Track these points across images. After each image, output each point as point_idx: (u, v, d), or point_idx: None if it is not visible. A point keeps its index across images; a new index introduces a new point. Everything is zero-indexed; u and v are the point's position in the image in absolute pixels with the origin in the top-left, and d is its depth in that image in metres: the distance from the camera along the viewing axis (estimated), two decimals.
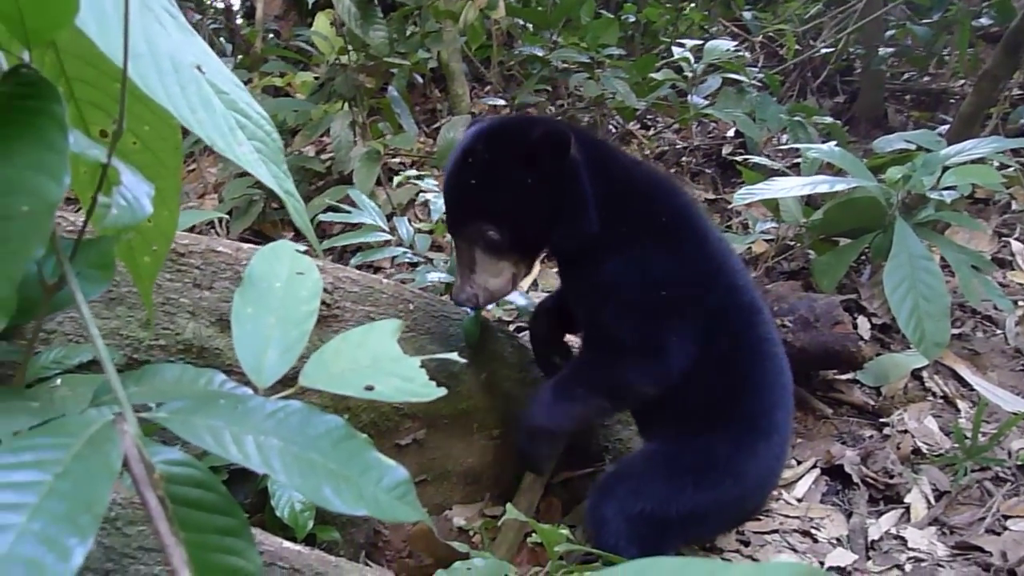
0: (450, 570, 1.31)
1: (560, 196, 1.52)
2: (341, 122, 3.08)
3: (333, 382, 0.74)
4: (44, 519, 0.53)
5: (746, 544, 1.84)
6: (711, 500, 1.55)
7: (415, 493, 0.71)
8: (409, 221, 2.10)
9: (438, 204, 2.04)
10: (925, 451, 2.09)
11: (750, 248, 2.75)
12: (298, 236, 3.12)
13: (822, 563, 1.75)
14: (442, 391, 0.76)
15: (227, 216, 3.05)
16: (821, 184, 2.14)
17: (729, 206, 3.19)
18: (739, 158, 2.97)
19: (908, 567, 1.76)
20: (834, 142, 2.72)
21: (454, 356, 0.89)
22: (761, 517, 1.94)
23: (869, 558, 1.80)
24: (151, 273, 1.02)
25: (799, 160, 2.89)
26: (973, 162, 2.26)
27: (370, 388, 0.74)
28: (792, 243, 2.73)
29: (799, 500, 2.02)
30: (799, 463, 2.15)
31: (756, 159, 2.82)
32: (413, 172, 2.45)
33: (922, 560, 1.78)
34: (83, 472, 0.57)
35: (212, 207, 3.29)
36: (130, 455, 0.61)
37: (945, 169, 2.27)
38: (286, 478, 0.65)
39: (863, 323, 2.50)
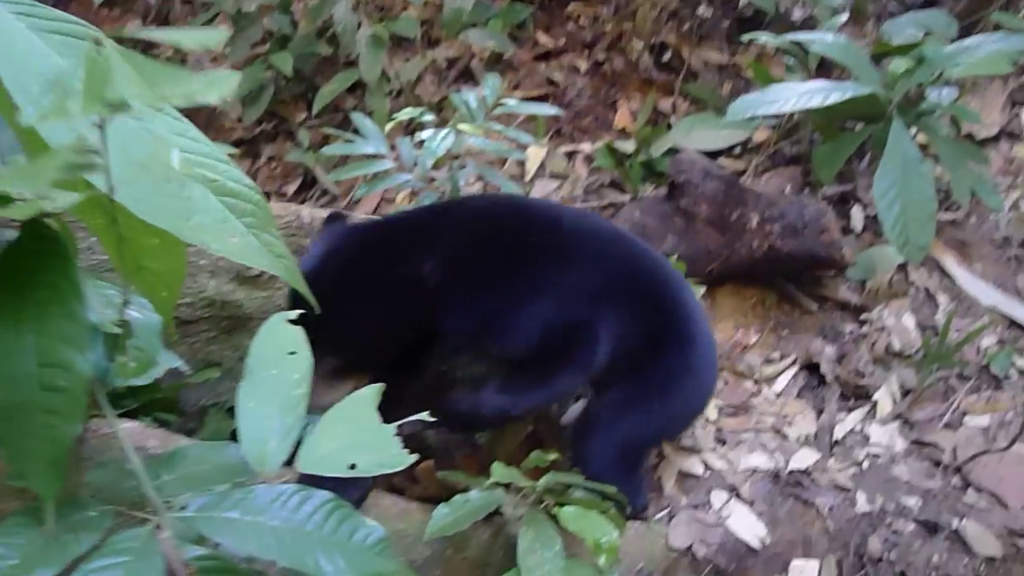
0: (450, 502, 1.54)
1: None
2: (345, 4, 3.06)
3: (323, 465, 0.92)
4: None
5: (722, 443, 2.07)
6: (671, 414, 1.80)
7: (390, 546, 0.91)
8: (410, 135, 2.17)
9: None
10: (899, 348, 2.25)
11: (749, 138, 2.79)
12: (311, 112, 3.21)
13: (787, 462, 1.98)
14: (412, 458, 0.94)
15: (236, 150, 3.13)
16: (817, 94, 2.16)
17: (741, 73, 3.17)
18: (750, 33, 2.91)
19: (866, 464, 1.98)
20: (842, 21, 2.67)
21: (424, 416, 1.06)
22: (740, 414, 2.16)
23: (832, 455, 2.02)
24: (169, 305, 1.18)
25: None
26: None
27: (353, 466, 0.92)
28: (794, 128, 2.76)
29: (777, 396, 2.23)
30: (782, 358, 2.34)
31: (763, 36, 2.77)
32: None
33: (879, 456, 2.00)
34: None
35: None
36: (170, 556, 0.81)
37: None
38: (283, 557, 0.84)
39: (857, 213, 2.59)
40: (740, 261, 2.35)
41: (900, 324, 2.30)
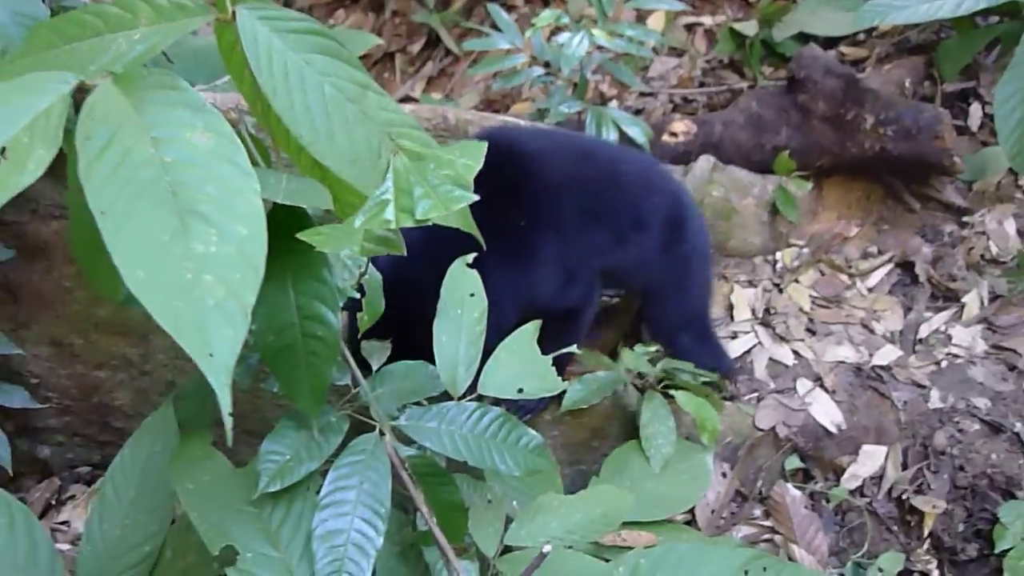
0: (581, 379, 1.81)
1: None
2: None
3: (499, 388, 1.19)
4: (361, 507, 1.05)
5: (812, 333, 2.28)
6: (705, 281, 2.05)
7: (547, 449, 1.19)
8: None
9: None
10: (995, 254, 2.36)
11: (876, 26, 2.76)
12: None
13: (871, 356, 2.18)
14: (566, 384, 1.20)
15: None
16: (945, 6, 2.15)
17: None
18: None
19: (944, 363, 2.17)
20: None
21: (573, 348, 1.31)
22: (832, 306, 2.35)
23: (914, 352, 2.21)
24: None
25: None
26: None
27: (520, 390, 1.18)
28: None
29: (870, 290, 2.39)
30: (879, 253, 2.48)
31: None
32: None
33: (958, 357, 2.18)
34: (373, 474, 1.07)
35: None
36: (391, 455, 1.10)
37: None
38: (469, 457, 1.13)
39: (975, 111, 2.60)
40: (850, 158, 2.44)
41: (1001, 229, 2.39)
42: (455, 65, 3.33)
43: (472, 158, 0.84)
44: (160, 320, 0.74)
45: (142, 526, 1.39)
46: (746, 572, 1.01)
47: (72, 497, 2.03)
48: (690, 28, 3.07)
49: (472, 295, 1.22)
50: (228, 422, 0.73)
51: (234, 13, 0.91)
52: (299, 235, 0.89)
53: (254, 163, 0.98)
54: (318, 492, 1.07)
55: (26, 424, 1.90)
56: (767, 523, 1.98)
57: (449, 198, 0.82)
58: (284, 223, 1.05)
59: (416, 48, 3.41)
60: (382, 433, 1.12)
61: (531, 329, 1.28)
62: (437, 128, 1.98)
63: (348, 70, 0.97)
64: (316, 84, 0.94)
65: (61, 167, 1.70)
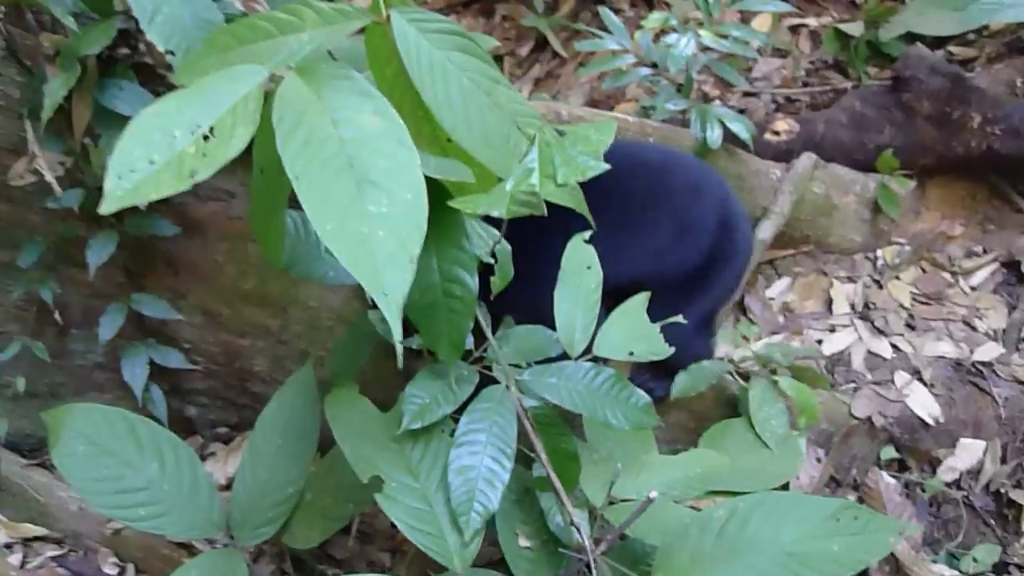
0: (688, 370, 1.90)
1: None
2: None
3: (613, 350, 1.32)
4: (490, 447, 1.19)
5: (912, 328, 2.31)
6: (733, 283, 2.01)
7: (653, 409, 1.31)
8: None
9: None
10: None
11: (986, 25, 2.75)
12: None
13: (972, 352, 2.21)
14: (671, 350, 1.32)
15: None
16: None
17: None
18: None
19: None
20: None
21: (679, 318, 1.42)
22: (932, 303, 2.38)
23: (1018, 351, 2.22)
24: None
25: None
26: None
27: (631, 353, 1.31)
28: None
29: (973, 289, 2.41)
30: (984, 252, 2.48)
31: None
32: None
33: None
34: (500, 419, 1.22)
35: None
36: (517, 405, 1.24)
37: None
38: (584, 410, 1.26)
39: None
40: (955, 158, 2.46)
41: None
42: (562, 67, 3.47)
43: (604, 134, 0.97)
44: (346, 265, 0.90)
45: (286, 471, 1.58)
46: (838, 519, 1.10)
47: (212, 454, 2.25)
48: (795, 29, 3.12)
49: (589, 267, 1.35)
50: (399, 349, 0.88)
51: (388, 16, 1.07)
52: (451, 202, 1.04)
53: None
54: (452, 433, 1.23)
55: (177, 385, 2.13)
56: None
57: (584, 167, 0.95)
58: (431, 197, 1.21)
59: (525, 51, 3.56)
60: (508, 386, 1.26)
61: (642, 298, 1.40)
62: (551, 123, 2.11)
63: (482, 66, 1.13)
64: (456, 77, 1.09)
65: None
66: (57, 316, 1.95)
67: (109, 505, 1.47)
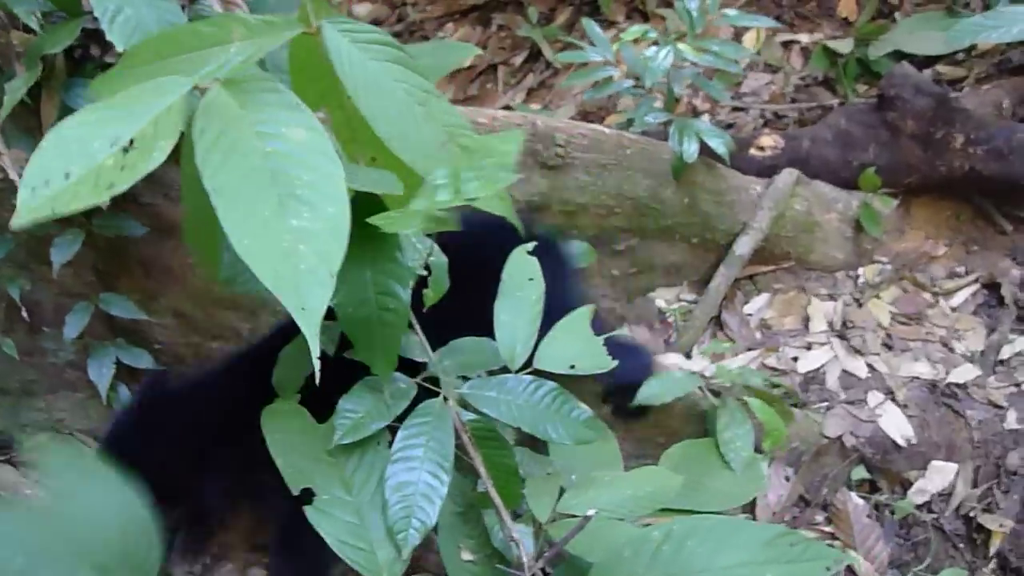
0: (658, 376, 1.88)
1: None
2: None
3: (553, 364, 1.31)
4: (428, 462, 1.19)
5: (889, 348, 2.29)
6: None
7: (598, 421, 1.30)
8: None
9: None
10: None
11: (975, 45, 2.72)
12: None
13: (948, 373, 2.18)
14: (614, 363, 1.31)
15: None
16: None
17: None
18: None
19: None
20: None
21: (623, 332, 1.41)
22: (911, 323, 2.35)
23: (994, 373, 2.20)
24: None
25: None
26: None
27: (572, 367, 1.30)
28: None
29: (953, 310, 2.38)
30: (966, 273, 2.46)
31: None
32: None
33: None
34: (438, 433, 1.21)
35: None
36: (455, 419, 1.24)
37: None
38: (524, 424, 1.26)
39: None
40: (939, 178, 2.44)
41: None
42: (555, 78, 3.47)
43: (511, 143, 0.97)
44: (263, 279, 0.90)
45: None
46: (775, 546, 1.09)
47: None
48: (787, 45, 3.11)
49: (531, 279, 1.35)
50: (316, 364, 0.88)
51: (319, 27, 1.07)
52: (370, 219, 1.04)
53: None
54: (389, 446, 1.22)
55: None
56: (828, 529, 2.01)
57: (494, 178, 0.95)
58: (363, 210, 1.21)
59: (519, 60, 3.57)
60: (446, 399, 1.25)
61: (586, 312, 1.39)
62: (528, 134, 2.11)
63: (416, 78, 1.12)
64: (391, 88, 1.09)
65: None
66: (25, 314, 1.96)
67: None
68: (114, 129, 0.90)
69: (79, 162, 0.88)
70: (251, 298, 2.01)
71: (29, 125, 1.72)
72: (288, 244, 0.92)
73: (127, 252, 1.97)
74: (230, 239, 0.88)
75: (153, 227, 1.91)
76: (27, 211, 0.85)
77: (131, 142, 0.90)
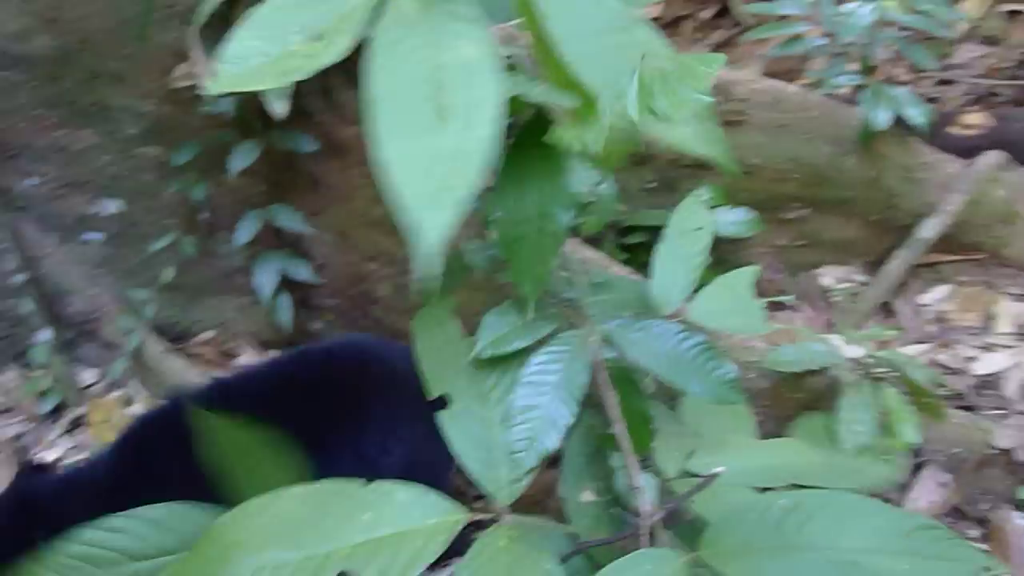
0: (796, 345, 1.78)
1: None
2: None
3: (708, 318, 1.24)
4: (559, 390, 1.16)
5: None
6: None
7: (741, 385, 1.23)
8: None
9: None
10: None
11: None
12: None
13: None
14: (770, 327, 1.23)
15: None
16: None
17: None
18: None
19: None
20: None
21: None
22: None
23: None
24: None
25: None
26: None
27: (726, 325, 1.23)
28: None
29: None
30: None
31: None
32: None
33: None
34: (574, 364, 1.18)
35: None
36: (595, 355, 1.20)
37: None
38: (666, 372, 1.20)
39: None
40: None
41: None
42: (742, 36, 3.31)
43: (712, 66, 0.91)
44: (397, 190, 0.89)
45: None
46: (914, 537, 0.99)
47: None
48: (1012, 15, 2.80)
49: (700, 229, 1.28)
50: (417, 289, 0.86)
51: None
52: (548, 136, 1.01)
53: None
54: None
55: (306, 299, 2.24)
56: (983, 546, 1.84)
57: (686, 99, 0.89)
58: (537, 131, 1.18)
59: (707, 15, 3.42)
60: (589, 335, 1.22)
61: (751, 271, 1.31)
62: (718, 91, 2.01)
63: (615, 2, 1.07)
64: (585, 7, 1.04)
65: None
66: (205, 217, 2.09)
67: None
68: (305, 18, 0.92)
69: (272, 44, 0.91)
70: None
71: (222, 34, 1.81)
72: (430, 160, 0.90)
73: (298, 167, 2.05)
74: (376, 146, 0.88)
75: (324, 145, 1.98)
76: (221, 83, 0.88)
77: (319, 33, 0.92)
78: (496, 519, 1.13)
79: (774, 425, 1.89)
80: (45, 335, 2.25)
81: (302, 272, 2.11)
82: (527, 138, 1.17)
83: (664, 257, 1.27)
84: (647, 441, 1.26)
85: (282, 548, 1.03)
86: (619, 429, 1.21)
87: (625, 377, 1.22)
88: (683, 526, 1.29)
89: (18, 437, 2.24)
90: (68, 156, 2.12)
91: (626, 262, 1.97)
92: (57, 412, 2.27)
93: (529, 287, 1.17)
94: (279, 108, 1.66)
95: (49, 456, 2.18)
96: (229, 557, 1.03)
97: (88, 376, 2.35)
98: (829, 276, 2.34)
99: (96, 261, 2.26)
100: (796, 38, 2.21)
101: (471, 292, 1.46)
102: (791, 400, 1.90)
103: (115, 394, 2.28)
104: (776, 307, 2.25)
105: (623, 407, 1.22)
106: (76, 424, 2.25)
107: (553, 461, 1.65)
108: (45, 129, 2.09)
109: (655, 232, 1.46)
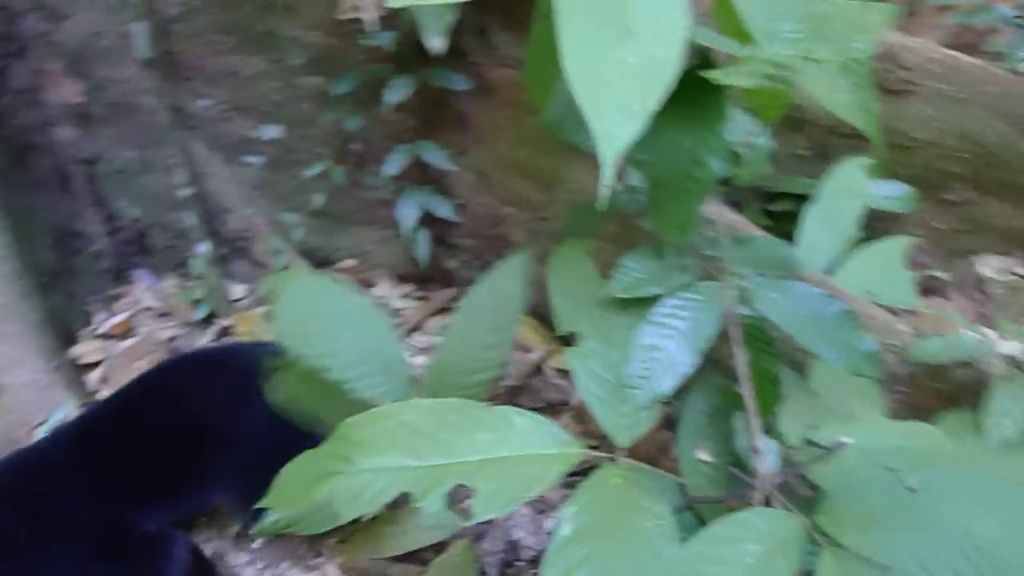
0: (944, 336, 1.69)
1: None
2: None
3: (853, 285, 1.20)
4: (685, 336, 1.16)
5: None
6: None
7: (879, 360, 1.18)
8: None
9: None
10: None
11: None
12: None
13: None
14: (916, 302, 1.17)
15: None
16: None
17: None
18: None
19: None
20: None
21: None
22: None
23: None
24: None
25: None
26: None
27: (872, 294, 1.18)
28: None
29: None
30: None
31: None
32: None
33: None
34: (705, 315, 1.17)
35: None
36: (728, 308, 1.18)
37: None
38: (802, 336, 1.17)
39: None
40: None
41: None
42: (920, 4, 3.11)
43: (881, 16, 0.86)
44: (581, 102, 0.91)
45: (487, 339, 1.60)
46: None
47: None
48: None
49: (854, 196, 1.23)
50: (605, 192, 0.87)
51: None
52: (704, 72, 0.99)
53: None
54: None
55: (443, 236, 2.30)
56: None
57: (848, 45, 0.85)
58: (699, 77, 1.16)
59: None
60: (727, 288, 1.20)
61: (904, 242, 1.25)
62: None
63: None
64: None
65: (516, 23, 1.96)
66: (356, 148, 2.17)
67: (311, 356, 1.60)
68: None
69: None
70: (549, 171, 2.06)
71: None
72: (612, 74, 0.91)
73: (448, 106, 2.10)
74: (563, 58, 0.89)
75: (476, 85, 2.01)
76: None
77: None
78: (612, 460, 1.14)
79: (908, 414, 1.81)
80: (203, 248, 2.41)
81: (443, 209, 2.17)
82: (687, 82, 1.15)
83: (814, 218, 1.23)
84: (772, 404, 1.23)
85: (403, 455, 1.08)
86: (746, 388, 1.19)
87: (758, 336, 1.20)
88: (800, 497, 1.26)
89: (172, 340, 2.42)
90: (237, 81, 2.24)
91: (768, 229, 1.91)
92: (208, 321, 2.44)
93: (672, 232, 1.16)
94: (437, 44, 1.70)
95: None
96: (353, 455, 1.09)
97: (238, 290, 2.51)
98: (989, 266, 2.19)
99: (254, 183, 2.39)
100: (981, 8, 2.05)
101: (603, 243, 1.47)
102: (930, 390, 1.81)
103: (260, 309, 2.43)
104: (925, 292, 2.14)
105: (752, 366, 1.20)
106: (224, 333, 2.41)
107: (668, 423, 1.66)
108: (219, 54, 2.21)
109: (802, 201, 1.42)
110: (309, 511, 1.37)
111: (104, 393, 2.19)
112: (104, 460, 1.54)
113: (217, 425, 1.60)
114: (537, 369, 2.18)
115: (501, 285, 1.56)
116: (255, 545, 1.90)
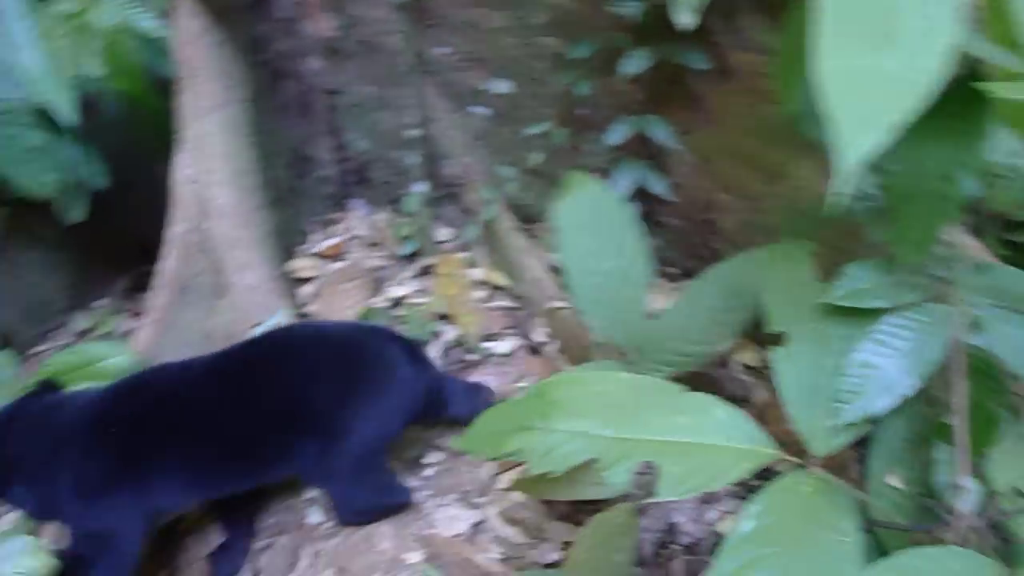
0: None
1: None
2: None
3: None
4: (905, 357, 1.11)
5: None
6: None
7: None
8: None
9: None
10: None
11: None
12: None
13: None
14: None
15: None
16: None
17: None
18: None
19: None
20: None
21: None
22: None
23: None
24: None
25: None
26: None
27: None
28: None
29: None
30: None
31: None
32: None
33: None
34: (929, 339, 1.11)
35: None
36: (956, 333, 1.12)
37: None
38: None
39: None
40: None
41: None
42: None
43: None
44: (829, 104, 0.88)
45: (717, 316, 1.60)
46: None
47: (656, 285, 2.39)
48: None
49: None
50: (834, 200, 0.85)
51: None
52: (977, 84, 0.93)
53: None
54: None
55: (652, 213, 2.30)
56: None
57: None
58: (965, 89, 1.09)
59: None
60: (959, 315, 1.13)
61: None
62: None
63: None
64: None
65: (768, 7, 1.88)
66: (582, 112, 2.20)
67: (578, 270, 1.69)
68: None
69: None
70: (775, 164, 2.00)
71: None
72: (867, 80, 0.87)
73: (682, 83, 2.08)
74: (816, 55, 0.87)
75: (714, 66, 1.97)
76: None
77: None
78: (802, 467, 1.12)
79: None
80: (419, 188, 2.55)
81: (658, 186, 2.17)
82: (951, 92, 1.09)
83: None
84: (985, 443, 1.16)
85: (597, 422, 1.12)
86: (958, 422, 1.13)
87: (984, 370, 1.13)
88: (992, 545, 1.19)
89: (377, 269, 2.59)
90: (477, 33, 2.33)
91: (1006, 259, 1.77)
92: (413, 256, 2.58)
93: (907, 249, 1.11)
94: (687, 19, 1.68)
95: (399, 291, 2.50)
96: (549, 414, 1.14)
97: (444, 233, 2.64)
98: None
99: (476, 133, 2.48)
100: None
101: (820, 247, 1.42)
102: None
103: (462, 255, 2.54)
104: None
105: (972, 400, 1.13)
106: (425, 271, 2.55)
107: (857, 442, 1.59)
108: (464, 5, 2.30)
109: None
110: None
111: (314, 308, 2.39)
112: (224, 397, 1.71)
113: (318, 403, 1.71)
114: (722, 361, 2.15)
115: (748, 270, 1.55)
116: (428, 473, 2.02)
